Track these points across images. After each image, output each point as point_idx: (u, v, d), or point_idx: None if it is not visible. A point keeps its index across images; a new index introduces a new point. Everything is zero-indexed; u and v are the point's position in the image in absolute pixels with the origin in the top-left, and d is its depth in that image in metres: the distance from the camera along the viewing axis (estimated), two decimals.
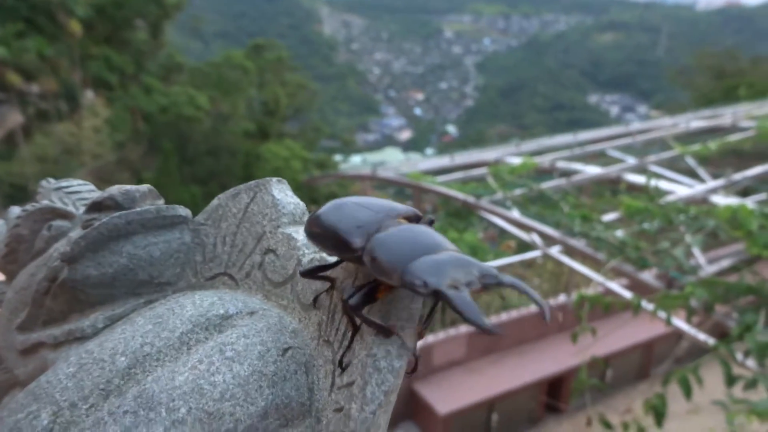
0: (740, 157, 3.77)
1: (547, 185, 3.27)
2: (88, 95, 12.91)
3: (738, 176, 3.16)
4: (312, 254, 0.41)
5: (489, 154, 4.54)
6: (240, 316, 0.39)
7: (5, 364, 0.51)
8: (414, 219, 0.38)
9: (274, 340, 0.37)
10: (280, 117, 16.83)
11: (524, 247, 4.49)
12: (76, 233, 0.46)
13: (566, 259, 3.06)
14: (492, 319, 4.28)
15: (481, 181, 3.60)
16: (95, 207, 0.47)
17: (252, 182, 0.46)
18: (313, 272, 0.39)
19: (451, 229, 7.33)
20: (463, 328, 4.13)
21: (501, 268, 4.87)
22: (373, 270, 0.34)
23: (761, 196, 2.87)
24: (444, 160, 4.36)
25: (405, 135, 41.39)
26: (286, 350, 0.37)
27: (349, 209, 0.38)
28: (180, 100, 13.54)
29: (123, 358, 0.37)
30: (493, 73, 50.65)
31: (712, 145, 3.75)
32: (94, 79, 12.79)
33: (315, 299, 0.39)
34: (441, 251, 0.32)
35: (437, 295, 0.30)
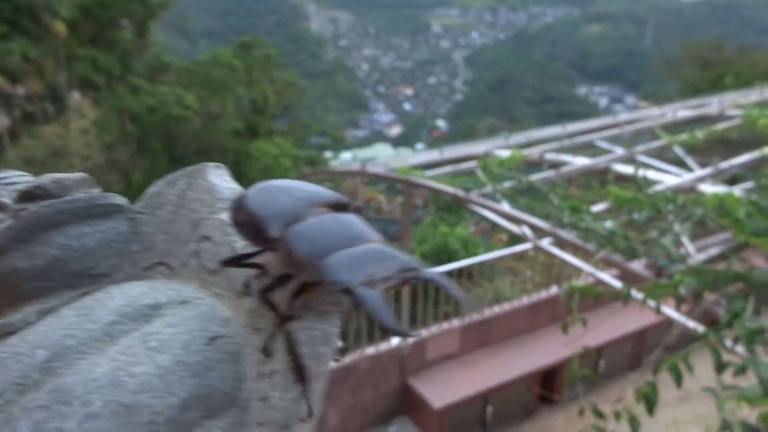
0: (727, 145, 3.80)
1: (536, 177, 3.27)
2: (75, 96, 12.81)
3: (725, 164, 3.17)
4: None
5: (478, 147, 4.54)
6: (171, 306, 0.38)
7: None
8: (340, 207, 0.36)
9: (202, 328, 0.36)
10: (269, 115, 16.78)
11: (515, 239, 4.51)
12: (5, 224, 0.44)
13: (557, 251, 3.07)
14: (484, 313, 4.30)
15: (470, 175, 3.60)
16: (25, 197, 0.45)
17: (189, 168, 0.45)
18: (237, 260, 0.38)
19: (443, 224, 7.34)
20: (456, 323, 4.14)
21: (493, 261, 4.89)
22: (289, 263, 0.33)
23: (748, 184, 2.89)
24: (434, 155, 4.36)
25: (395, 130, 41.37)
26: (213, 339, 0.35)
27: (270, 195, 0.36)
28: (168, 99, 13.47)
29: (42, 351, 0.35)
30: (481, 67, 50.71)
31: (700, 134, 3.76)
32: (80, 80, 12.70)
33: (246, 285, 0.38)
34: (361, 244, 0.31)
35: (348, 293, 0.29)
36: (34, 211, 0.43)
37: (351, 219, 0.34)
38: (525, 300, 4.49)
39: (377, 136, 40.06)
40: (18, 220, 0.43)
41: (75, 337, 0.36)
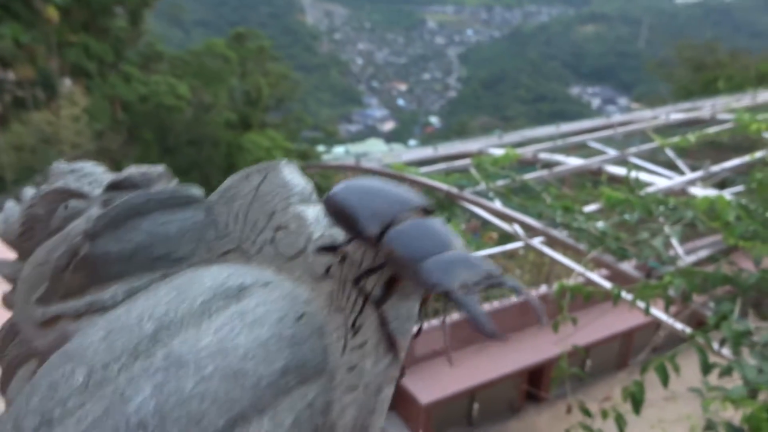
0: (718, 149, 3.83)
1: (529, 176, 3.29)
2: (66, 83, 12.70)
3: (716, 168, 3.20)
4: (322, 231, 0.43)
5: (472, 145, 4.55)
6: (255, 287, 0.42)
7: (21, 337, 0.53)
8: (426, 212, 0.39)
9: (290, 307, 0.40)
10: (262, 107, 16.73)
11: (506, 238, 4.52)
12: (96, 211, 0.49)
13: (548, 250, 3.09)
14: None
15: (464, 172, 3.61)
16: (114, 186, 0.50)
17: (262, 164, 0.49)
18: (327, 249, 0.41)
19: None
20: (449, 319, 4.15)
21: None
22: (389, 261, 0.36)
23: (739, 188, 2.92)
24: (427, 151, 4.36)
25: (388, 126, 41.31)
26: (301, 316, 0.40)
27: (368, 194, 0.39)
28: (160, 89, 13.38)
29: (149, 324, 0.39)
30: (475, 65, 50.74)
31: (692, 137, 3.79)
32: (72, 66, 12.59)
33: (327, 270, 0.41)
34: (451, 249, 0.34)
35: (448, 296, 0.31)
36: (126, 200, 0.47)
37: (439, 225, 0.36)
38: (514, 298, 4.51)
39: (370, 131, 39.98)
40: (111, 207, 0.47)
41: (175, 311, 0.40)
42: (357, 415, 0.36)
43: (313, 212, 0.45)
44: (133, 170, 0.51)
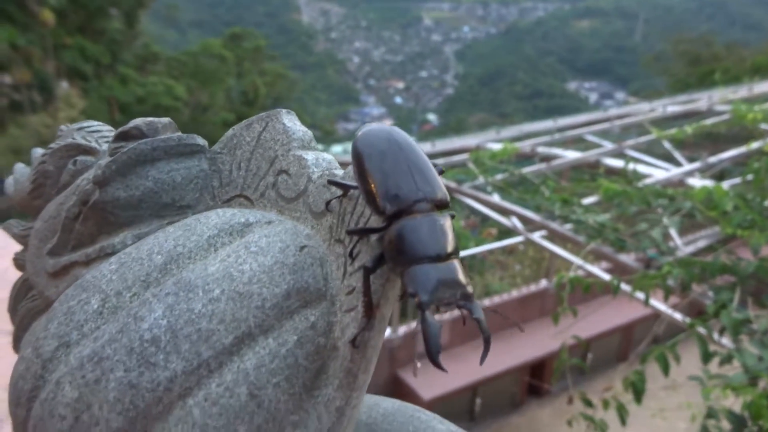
0: (716, 140, 3.84)
1: (527, 170, 3.30)
2: (63, 86, 12.67)
3: (713, 159, 3.21)
4: (321, 171, 0.46)
5: (470, 140, 4.55)
6: (259, 225, 0.44)
7: (35, 291, 0.55)
8: (443, 206, 0.39)
9: (292, 240, 0.42)
10: (260, 106, 16.69)
11: (505, 234, 4.53)
12: (104, 160, 0.50)
13: (547, 244, 3.09)
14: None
15: (462, 167, 3.62)
16: (122, 136, 0.51)
17: (263, 113, 0.51)
18: (337, 184, 0.43)
19: None
20: (445, 315, 4.16)
21: (482, 255, 4.91)
22: (384, 248, 0.36)
23: (736, 180, 2.92)
24: (425, 147, 4.37)
25: (385, 124, 41.19)
26: (302, 247, 0.42)
27: (395, 167, 0.38)
28: (157, 90, 13.36)
29: (159, 257, 0.42)
30: (472, 61, 50.70)
31: (688, 129, 3.80)
32: (68, 69, 12.55)
33: (327, 203, 0.43)
34: (442, 260, 0.34)
35: (420, 308, 0.33)
36: (134, 147, 0.49)
37: (447, 227, 0.36)
38: (514, 293, 4.52)
39: None
40: (120, 154, 0.49)
41: (183, 245, 0.42)
42: (356, 333, 0.38)
43: (313, 155, 0.47)
44: (139, 121, 0.52)
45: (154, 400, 0.36)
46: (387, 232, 0.36)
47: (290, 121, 0.50)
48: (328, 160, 0.47)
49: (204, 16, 45.73)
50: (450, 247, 0.35)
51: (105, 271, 0.43)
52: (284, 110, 0.50)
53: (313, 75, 43.05)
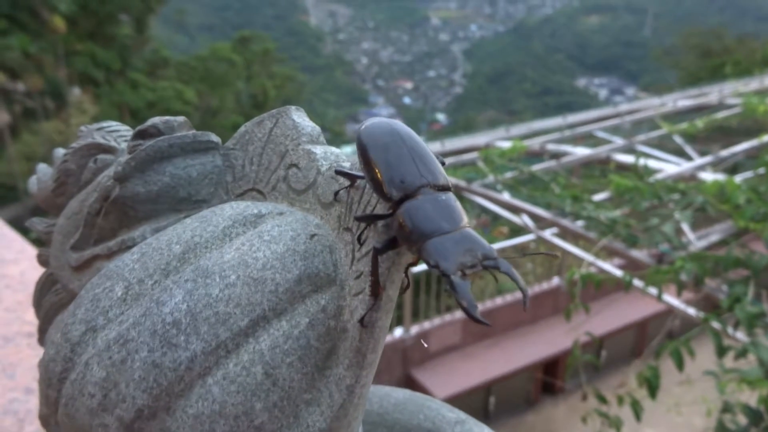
0: (727, 134, 3.81)
1: (537, 167, 3.29)
2: (75, 92, 12.79)
3: (725, 153, 3.19)
4: (329, 164, 0.47)
5: (479, 139, 4.55)
6: (271, 215, 0.46)
7: (58, 285, 0.57)
8: (445, 189, 0.40)
9: (302, 228, 0.44)
10: (269, 109, 16.61)
11: (516, 232, 4.52)
12: (124, 158, 0.52)
13: (559, 241, 3.09)
14: (487, 303, 4.32)
15: (472, 166, 3.62)
16: (140, 134, 0.53)
17: (274, 110, 0.53)
18: (344, 174, 0.44)
19: None
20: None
21: None
22: (396, 231, 0.38)
23: (748, 173, 2.90)
24: (435, 146, 4.37)
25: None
26: (312, 236, 0.44)
27: (398, 156, 0.41)
28: (167, 94, 13.45)
29: (177, 246, 0.44)
30: (480, 60, 50.56)
31: (700, 123, 3.78)
32: (79, 75, 12.67)
33: (336, 194, 0.45)
34: (455, 230, 0.36)
35: (446, 277, 0.33)
36: (152, 144, 0.51)
37: (452, 203, 0.38)
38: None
39: None
40: (139, 151, 0.51)
41: (200, 236, 0.45)
42: (364, 313, 0.40)
43: (321, 149, 0.48)
44: (156, 119, 0.54)
45: (176, 379, 0.39)
46: (395, 216, 0.38)
47: (299, 117, 0.51)
48: (336, 154, 0.49)
49: (213, 20, 45.98)
50: (458, 218, 0.37)
51: (127, 261, 0.45)
52: (293, 107, 0.52)
53: (321, 77, 43.13)
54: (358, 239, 0.42)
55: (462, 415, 0.61)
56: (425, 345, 3.74)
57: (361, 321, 0.40)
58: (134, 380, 0.39)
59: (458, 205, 0.38)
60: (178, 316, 0.40)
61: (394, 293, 0.41)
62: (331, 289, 0.43)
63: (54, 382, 0.43)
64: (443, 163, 0.42)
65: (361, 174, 0.43)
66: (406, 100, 47.93)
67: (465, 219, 0.37)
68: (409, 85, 50.46)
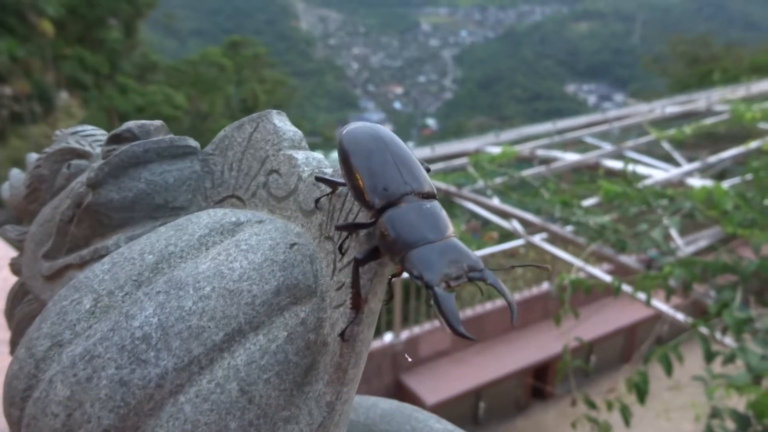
0: (715, 140, 3.84)
1: (527, 173, 3.30)
2: (63, 96, 12.71)
3: (713, 159, 3.21)
4: (311, 170, 0.46)
5: (470, 144, 4.56)
6: (250, 223, 0.45)
7: (31, 295, 0.55)
8: (430, 196, 0.38)
9: (282, 237, 0.43)
10: None
11: (506, 237, 4.53)
12: (97, 163, 0.50)
13: (548, 246, 3.09)
14: (477, 308, 4.32)
15: (462, 171, 3.62)
16: (114, 139, 0.51)
17: (254, 114, 0.51)
18: (325, 180, 0.43)
19: None
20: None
21: (484, 259, 4.91)
22: (378, 241, 0.36)
23: (736, 179, 2.92)
24: (425, 152, 4.38)
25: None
26: (292, 245, 0.43)
27: (381, 163, 0.39)
28: (157, 99, 13.39)
29: (151, 256, 0.42)
30: (471, 66, 50.77)
31: (688, 129, 3.80)
32: (68, 79, 12.59)
33: (317, 201, 0.44)
34: (440, 240, 0.34)
35: (429, 289, 0.32)
36: (126, 150, 0.49)
37: (437, 211, 0.37)
38: (516, 296, 4.51)
39: None
40: (112, 156, 0.49)
41: (175, 245, 0.43)
42: (345, 326, 0.38)
43: (303, 154, 0.47)
44: (131, 123, 0.52)
45: (146, 397, 0.36)
46: (377, 225, 0.36)
47: (281, 121, 0.50)
48: (318, 159, 0.47)
49: (203, 25, 45.89)
50: (444, 227, 0.35)
51: (97, 272, 0.43)
52: (275, 111, 0.51)
53: (312, 81, 43.14)
54: (340, 248, 0.40)
55: (449, 426, 0.59)
56: (409, 359, 3.73)
57: (342, 335, 0.38)
58: (100, 399, 0.37)
59: (444, 213, 0.37)
60: (148, 330, 0.38)
61: (376, 306, 0.40)
62: (311, 301, 0.41)
63: (17, 401, 0.41)
64: (428, 170, 0.41)
65: (342, 181, 0.41)
66: (397, 105, 48.02)
67: (451, 228, 0.36)
68: (399, 90, 50.57)
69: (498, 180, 3.29)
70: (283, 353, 0.39)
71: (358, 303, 0.38)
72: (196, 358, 0.37)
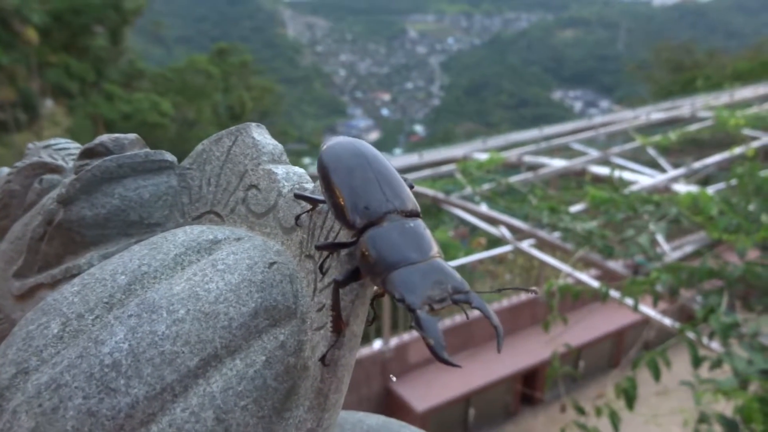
0: (699, 146, 3.88)
1: (514, 179, 3.31)
2: (48, 104, 12.60)
3: (698, 165, 3.25)
4: (291, 185, 0.45)
5: (457, 150, 4.57)
6: (228, 241, 0.43)
7: (2, 315, 0.53)
8: (414, 215, 0.37)
9: (261, 256, 0.41)
10: (246, 121, 16.65)
11: (494, 243, 4.54)
12: (69, 178, 0.49)
13: (536, 252, 3.11)
14: (465, 316, 4.32)
15: (449, 178, 3.63)
16: (87, 153, 0.50)
17: (233, 127, 0.50)
18: (304, 198, 0.42)
19: None
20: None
21: (472, 265, 4.92)
22: (359, 261, 0.35)
23: (721, 185, 2.95)
24: (413, 158, 4.38)
25: (373, 136, 41.37)
26: (272, 264, 0.41)
27: (363, 180, 0.38)
28: (143, 106, 13.31)
29: (123, 277, 0.41)
30: (457, 72, 51.03)
31: (673, 135, 3.84)
32: (53, 87, 12.49)
33: (297, 218, 0.42)
34: (423, 260, 0.33)
35: (411, 312, 0.31)
36: (99, 164, 0.48)
37: (421, 230, 0.35)
38: (505, 303, 4.52)
39: None
40: (84, 171, 0.48)
41: (149, 265, 0.41)
42: (326, 350, 0.37)
43: (283, 169, 0.46)
44: (104, 137, 0.51)
45: (115, 428, 0.35)
46: (357, 245, 0.35)
47: (260, 134, 0.48)
48: (299, 174, 0.46)
49: (190, 32, 45.75)
50: (428, 247, 0.34)
51: (67, 294, 0.41)
52: (254, 124, 0.50)
53: (299, 88, 43.11)
54: (320, 268, 0.39)
55: None
56: (393, 379, 3.72)
57: (323, 359, 0.37)
58: (66, 431, 0.35)
59: (428, 232, 0.35)
60: (118, 356, 0.36)
61: (359, 328, 0.38)
62: (291, 323, 0.39)
63: None
64: (411, 187, 0.40)
65: (322, 198, 0.40)
66: (384, 111, 48.12)
67: (435, 248, 0.34)
68: (387, 96, 50.69)
69: (486, 186, 3.30)
70: (261, 378, 0.37)
71: (339, 326, 0.37)
72: (169, 386, 0.35)
